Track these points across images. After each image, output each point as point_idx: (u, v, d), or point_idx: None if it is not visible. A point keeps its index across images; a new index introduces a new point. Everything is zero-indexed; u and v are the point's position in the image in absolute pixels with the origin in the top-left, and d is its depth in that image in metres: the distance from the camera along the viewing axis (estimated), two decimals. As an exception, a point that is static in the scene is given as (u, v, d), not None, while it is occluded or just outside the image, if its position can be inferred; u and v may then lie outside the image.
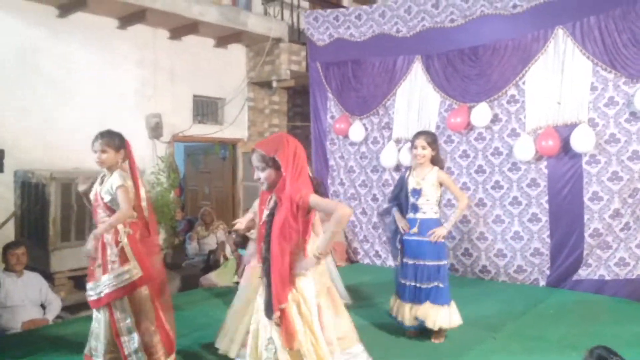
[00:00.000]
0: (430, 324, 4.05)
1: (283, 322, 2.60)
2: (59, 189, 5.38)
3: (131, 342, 3.31)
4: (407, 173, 4.32)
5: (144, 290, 3.38)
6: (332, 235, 2.65)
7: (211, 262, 6.67)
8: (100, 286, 3.30)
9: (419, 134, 4.27)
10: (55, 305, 4.87)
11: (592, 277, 5.52)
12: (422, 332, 4.20)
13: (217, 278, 6.00)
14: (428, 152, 4.15)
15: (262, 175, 2.68)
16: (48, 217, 5.30)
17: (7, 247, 4.74)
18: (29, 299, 4.70)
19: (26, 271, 4.80)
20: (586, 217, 5.55)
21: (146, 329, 3.36)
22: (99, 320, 3.38)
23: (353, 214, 7.34)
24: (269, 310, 2.64)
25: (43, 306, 4.83)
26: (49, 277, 5.14)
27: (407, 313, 4.17)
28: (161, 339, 3.42)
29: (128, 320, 3.31)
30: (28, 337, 4.32)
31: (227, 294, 5.44)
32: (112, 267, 3.29)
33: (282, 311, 2.59)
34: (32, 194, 5.52)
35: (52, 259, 5.25)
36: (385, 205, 4.52)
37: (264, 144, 2.72)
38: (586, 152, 5.50)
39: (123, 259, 3.30)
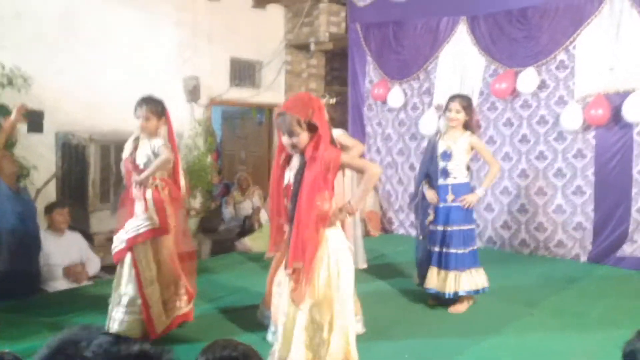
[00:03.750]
0: (474, 286, 4.10)
1: (295, 279, 2.62)
2: (98, 150, 5.48)
3: (153, 293, 3.46)
4: (437, 137, 4.23)
5: (167, 245, 3.56)
6: (364, 192, 2.80)
7: (246, 227, 6.74)
8: (126, 232, 3.47)
9: (455, 97, 4.17)
10: (95, 264, 5.03)
11: (637, 254, 5.30)
12: (442, 301, 4.17)
13: (252, 243, 6.05)
14: (462, 116, 4.06)
15: (296, 140, 2.60)
16: (87, 178, 5.42)
17: (53, 207, 4.87)
18: (70, 258, 4.85)
19: (67, 231, 4.94)
20: (634, 191, 5.31)
21: (166, 277, 3.54)
22: (124, 276, 3.49)
23: (389, 183, 7.23)
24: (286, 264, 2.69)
25: (83, 265, 4.97)
26: (88, 237, 5.28)
27: (435, 278, 4.14)
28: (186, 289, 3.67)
29: (152, 271, 3.47)
30: (69, 296, 4.48)
31: (261, 259, 5.49)
32: (137, 213, 3.50)
33: (296, 269, 2.60)
34: (72, 155, 5.64)
35: (92, 220, 5.39)
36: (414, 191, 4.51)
37: (296, 108, 2.64)
38: (638, 122, 5.21)
39: (146, 208, 3.49)
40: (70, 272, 4.76)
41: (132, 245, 3.45)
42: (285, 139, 2.65)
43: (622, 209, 5.39)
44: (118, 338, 1.08)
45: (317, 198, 2.59)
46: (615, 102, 5.32)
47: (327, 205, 2.65)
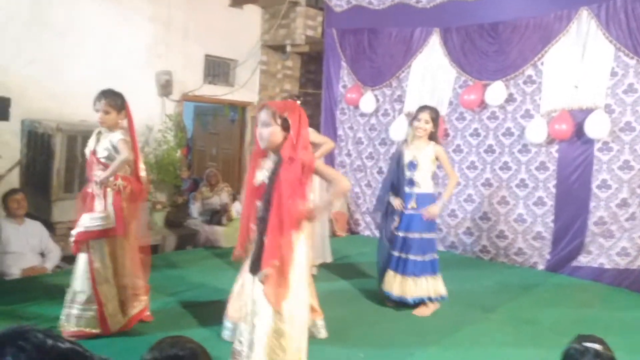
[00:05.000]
0: (433, 294, 4.17)
1: (272, 280, 2.59)
2: (64, 140, 5.38)
3: (109, 291, 3.43)
4: (403, 146, 4.31)
5: (126, 245, 3.53)
6: (329, 203, 2.85)
7: (214, 223, 6.70)
8: (78, 226, 3.43)
9: (424, 107, 4.28)
10: (55, 255, 4.94)
11: (592, 264, 5.46)
12: (400, 304, 4.23)
13: (224, 236, 6.01)
14: (430, 126, 4.17)
15: (266, 131, 2.65)
16: (52, 167, 5.31)
17: (7, 195, 4.82)
18: (30, 246, 4.77)
19: (27, 219, 4.87)
20: (592, 204, 5.47)
21: (124, 277, 3.52)
22: (78, 273, 3.45)
23: (358, 186, 7.32)
24: (255, 267, 2.64)
25: (43, 255, 4.90)
26: (50, 227, 5.18)
27: (392, 281, 4.22)
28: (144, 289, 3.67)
29: (107, 269, 3.44)
30: (26, 284, 4.39)
31: (225, 255, 5.49)
32: (96, 210, 3.46)
33: (275, 268, 2.58)
34: (38, 143, 5.53)
35: (54, 209, 5.28)
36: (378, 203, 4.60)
37: (277, 104, 2.75)
38: (599, 138, 5.39)
39: (105, 207, 3.45)
40: (29, 273, 4.66)
41: (80, 239, 3.40)
42: (258, 129, 2.71)
43: (580, 221, 5.55)
44: (47, 334, 1.05)
45: (292, 200, 2.60)
46: (579, 119, 5.48)
47: (300, 209, 2.66)
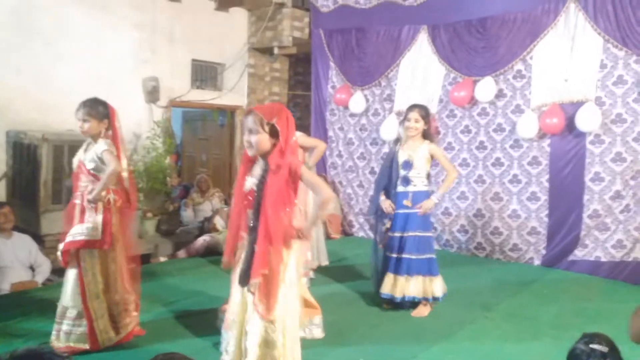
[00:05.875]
0: (422, 293, 4.10)
1: (262, 290, 2.54)
2: (51, 150, 5.30)
3: (99, 307, 3.35)
4: (397, 146, 4.27)
5: (117, 260, 3.44)
6: (317, 218, 2.78)
7: (206, 230, 6.62)
8: (68, 236, 3.36)
9: (413, 106, 4.23)
10: (45, 268, 4.84)
11: (588, 258, 5.45)
12: (396, 305, 4.19)
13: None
14: (421, 125, 4.13)
15: (254, 138, 2.57)
16: (39, 178, 5.23)
17: None
18: (19, 260, 4.67)
19: (16, 233, 4.77)
20: (586, 197, 5.46)
21: (115, 293, 3.43)
22: (67, 288, 3.37)
23: (350, 187, 7.27)
24: (245, 278, 2.59)
25: (32, 268, 4.80)
26: (39, 239, 5.10)
27: (390, 283, 4.15)
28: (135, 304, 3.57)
29: (98, 284, 3.36)
30: (16, 299, 4.29)
31: (220, 262, 5.40)
32: (87, 221, 3.38)
33: (264, 278, 2.53)
34: (24, 155, 5.45)
35: (43, 221, 5.20)
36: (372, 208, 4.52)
37: (263, 109, 2.65)
38: (591, 131, 5.38)
39: (94, 219, 3.38)
40: (19, 288, 4.56)
41: (67, 249, 3.32)
42: (245, 136, 2.63)
43: (574, 215, 5.53)
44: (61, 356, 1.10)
45: (281, 208, 2.55)
46: (569, 112, 5.47)
47: (287, 221, 2.61)
